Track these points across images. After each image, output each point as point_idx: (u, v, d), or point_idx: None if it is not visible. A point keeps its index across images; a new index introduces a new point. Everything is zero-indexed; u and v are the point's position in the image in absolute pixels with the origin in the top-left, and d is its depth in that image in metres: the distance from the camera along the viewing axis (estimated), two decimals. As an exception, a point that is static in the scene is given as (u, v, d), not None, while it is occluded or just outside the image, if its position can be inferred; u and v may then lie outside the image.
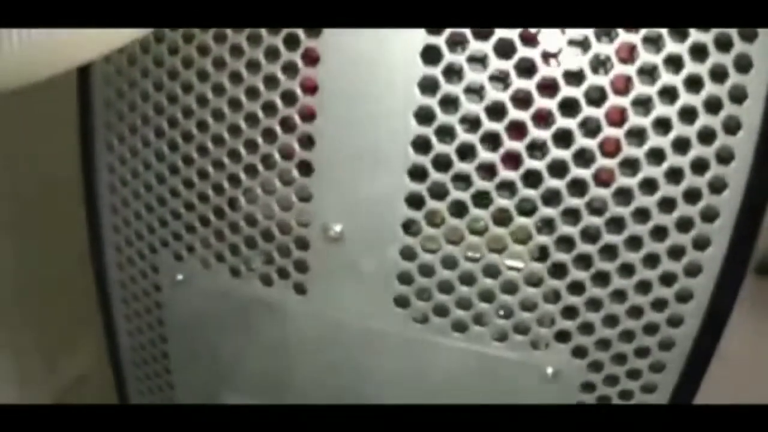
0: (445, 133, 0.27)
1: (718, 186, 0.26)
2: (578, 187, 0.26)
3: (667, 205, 0.26)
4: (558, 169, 0.26)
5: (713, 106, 0.25)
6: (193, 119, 0.30)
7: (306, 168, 0.29)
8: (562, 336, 0.29)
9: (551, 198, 0.27)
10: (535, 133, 0.26)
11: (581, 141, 0.26)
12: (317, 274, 0.30)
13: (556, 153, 0.26)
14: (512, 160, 0.27)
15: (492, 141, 0.26)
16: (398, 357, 0.31)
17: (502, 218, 0.27)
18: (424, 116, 0.27)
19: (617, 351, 0.29)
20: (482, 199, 0.27)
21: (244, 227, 0.31)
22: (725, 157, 0.26)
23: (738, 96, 0.25)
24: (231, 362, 0.34)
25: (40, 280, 0.45)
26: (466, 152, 0.27)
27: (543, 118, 0.26)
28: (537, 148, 0.26)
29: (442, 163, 0.27)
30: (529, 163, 0.26)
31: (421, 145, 0.27)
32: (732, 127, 0.25)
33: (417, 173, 0.28)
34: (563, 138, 0.26)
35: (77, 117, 0.34)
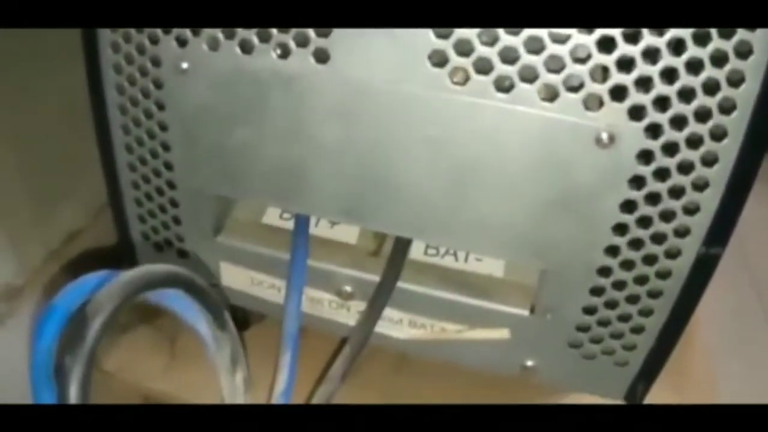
0: None
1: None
2: None
3: None
4: None
5: None
6: None
7: None
8: (618, 93, 0.26)
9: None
10: None
11: None
12: (341, 34, 0.27)
13: None
14: None
15: None
16: (433, 126, 0.28)
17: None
18: None
19: (676, 112, 0.26)
20: None
21: (258, -11, 0.28)
22: None
23: None
24: (243, 160, 0.31)
25: (31, 131, 0.41)
26: None
27: None
28: None
29: None
30: None
31: None
32: None
33: None
34: None
35: None
